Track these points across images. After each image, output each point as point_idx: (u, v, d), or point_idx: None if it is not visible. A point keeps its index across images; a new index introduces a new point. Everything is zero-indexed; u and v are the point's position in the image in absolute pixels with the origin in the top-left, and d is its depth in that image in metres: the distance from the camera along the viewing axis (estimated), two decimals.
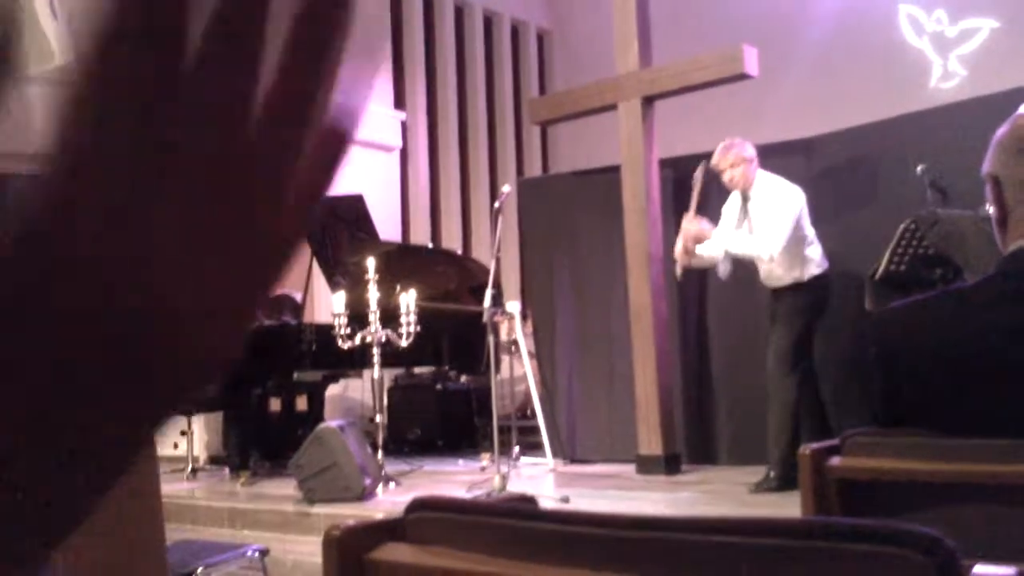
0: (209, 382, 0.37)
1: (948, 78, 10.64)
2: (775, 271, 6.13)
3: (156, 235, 0.33)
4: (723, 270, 6.25)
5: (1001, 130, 2.11)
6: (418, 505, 1.33)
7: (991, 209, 2.04)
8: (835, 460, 2.20)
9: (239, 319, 0.37)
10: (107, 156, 0.33)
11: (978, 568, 1.15)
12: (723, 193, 6.32)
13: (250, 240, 0.35)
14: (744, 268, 6.75)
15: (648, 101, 7.08)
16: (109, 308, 0.33)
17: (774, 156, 7.30)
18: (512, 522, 1.28)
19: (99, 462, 0.35)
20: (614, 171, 7.23)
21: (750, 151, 6.12)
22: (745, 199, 6.18)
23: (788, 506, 5.20)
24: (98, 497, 0.36)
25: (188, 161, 0.34)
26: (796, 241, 6.05)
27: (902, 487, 2.15)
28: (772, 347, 6.12)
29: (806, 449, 2.26)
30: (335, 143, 0.38)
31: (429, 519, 1.33)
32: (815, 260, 6.11)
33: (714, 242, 6.17)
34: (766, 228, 6.06)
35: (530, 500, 1.61)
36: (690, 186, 6.34)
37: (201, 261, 0.34)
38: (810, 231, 6.14)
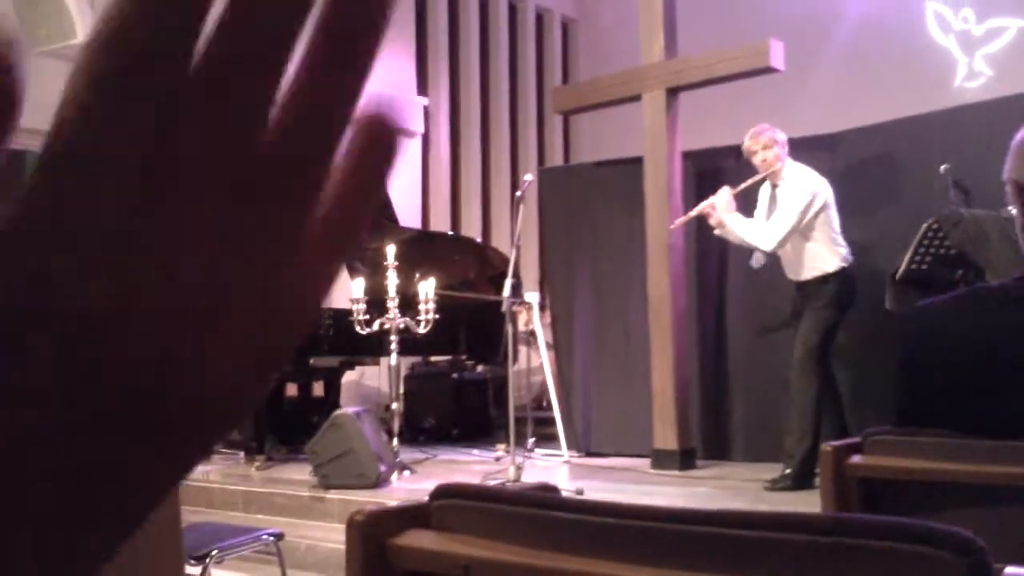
0: (239, 422, 0.33)
1: (973, 77, 10.57)
2: (803, 261, 6.09)
3: (167, 257, 0.29)
4: (756, 260, 6.29)
5: (1020, 135, 2.09)
6: (443, 492, 1.33)
7: (1013, 211, 2.02)
8: (856, 458, 2.19)
9: (270, 359, 0.33)
10: (110, 163, 0.29)
11: (1010, 569, 1.14)
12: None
13: (279, 271, 0.31)
14: (773, 262, 6.72)
15: (673, 92, 7.05)
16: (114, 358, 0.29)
17: (799, 151, 7.27)
18: (536, 511, 1.27)
19: (123, 517, 0.33)
20: (636, 162, 7.20)
21: (781, 136, 6.14)
22: (774, 187, 6.18)
23: (805, 504, 5.19)
24: (116, 548, 0.34)
25: (205, 170, 0.30)
26: (820, 235, 6.03)
27: (923, 487, 2.13)
28: (799, 341, 6.07)
29: (827, 447, 2.25)
30: (382, 140, 0.32)
31: (454, 506, 1.32)
32: (841, 253, 6.08)
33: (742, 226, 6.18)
34: (772, 221, 6.08)
35: (552, 490, 1.60)
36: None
37: (224, 288, 0.30)
38: (837, 223, 6.12)
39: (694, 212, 6.44)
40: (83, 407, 0.29)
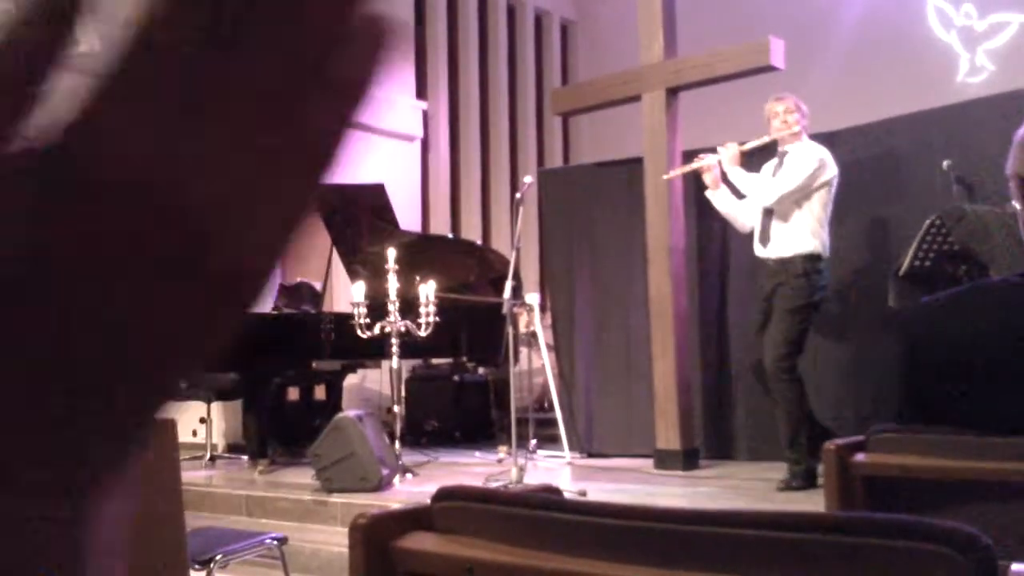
0: (255, 297, 0.35)
1: (976, 72, 10.56)
2: (783, 233, 5.98)
3: (189, 129, 0.32)
4: (741, 227, 6.32)
5: (1022, 130, 2.09)
6: (444, 494, 1.32)
7: (1017, 206, 2.02)
8: (860, 456, 2.18)
9: (287, 221, 0.36)
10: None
11: (1016, 566, 1.13)
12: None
13: (295, 133, 0.34)
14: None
15: (672, 92, 7.04)
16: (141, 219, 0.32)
17: None
18: (538, 513, 1.26)
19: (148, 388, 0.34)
20: (636, 163, 7.19)
21: (805, 107, 6.09)
22: (782, 158, 6.11)
23: (810, 503, 5.18)
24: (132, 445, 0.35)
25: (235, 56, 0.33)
26: (812, 211, 5.94)
27: (928, 484, 2.13)
28: (770, 344, 5.97)
29: (831, 445, 2.24)
30: (379, 33, 0.36)
31: (455, 508, 1.32)
32: (822, 240, 5.98)
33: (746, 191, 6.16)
34: (777, 177, 6.01)
35: (555, 491, 1.59)
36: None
37: (243, 158, 0.33)
38: (830, 209, 6.03)
39: (694, 164, 6.40)
40: (156, 251, 0.32)
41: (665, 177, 6.67)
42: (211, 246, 0.33)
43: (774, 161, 6.19)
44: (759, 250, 6.16)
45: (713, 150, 6.41)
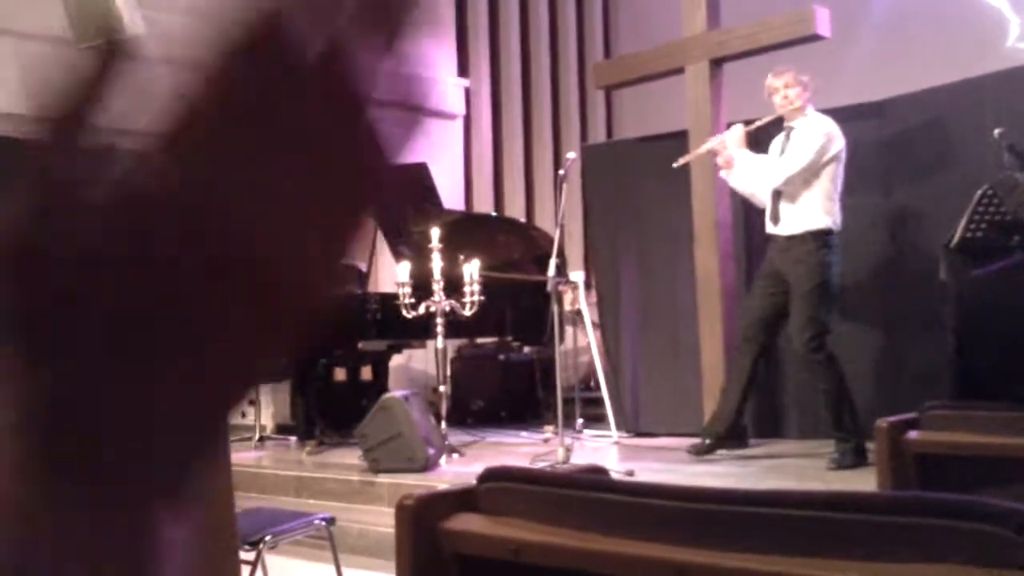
0: (311, 323, 0.39)
1: None
2: (793, 211, 5.94)
3: (249, 177, 0.37)
4: (758, 202, 6.26)
5: None
6: (490, 475, 1.31)
7: None
8: (913, 434, 2.15)
9: (331, 256, 0.40)
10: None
11: None
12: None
13: (340, 182, 0.40)
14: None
15: (716, 64, 6.97)
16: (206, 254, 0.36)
17: (846, 119, 7.16)
18: (585, 493, 1.25)
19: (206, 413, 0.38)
20: (681, 136, 7.11)
21: (806, 77, 6.01)
22: (788, 133, 6.07)
23: (860, 481, 5.13)
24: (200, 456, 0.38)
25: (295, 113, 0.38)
26: (821, 187, 5.89)
27: (982, 462, 2.09)
28: (795, 331, 5.93)
29: (883, 423, 2.21)
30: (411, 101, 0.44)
31: (502, 489, 1.31)
32: (834, 216, 5.93)
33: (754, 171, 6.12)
34: (784, 156, 5.96)
35: (601, 471, 1.58)
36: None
37: (296, 201, 0.38)
38: (840, 183, 5.97)
39: (703, 148, 6.38)
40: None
41: (675, 164, 6.58)
42: (277, 274, 0.37)
43: (781, 136, 6.15)
44: (770, 227, 6.13)
45: (750, 123, 6.35)
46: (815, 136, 5.88)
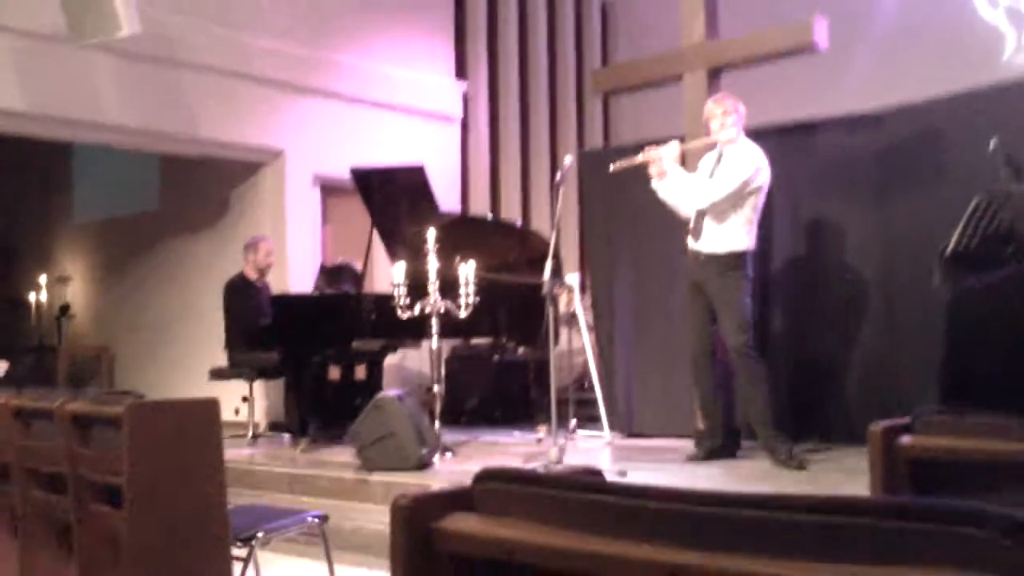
0: None
1: (1022, 52, 10.39)
2: (718, 232, 6.23)
3: None
4: (683, 215, 6.47)
5: None
6: (486, 476, 1.32)
7: None
8: (906, 439, 2.16)
9: None
10: None
11: None
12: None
13: None
14: (806, 244, 6.65)
15: (714, 73, 6.99)
16: None
17: (843, 130, 7.20)
18: (580, 495, 1.26)
19: None
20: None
21: (742, 108, 6.30)
22: (719, 157, 6.32)
23: (853, 484, 5.15)
24: None
25: None
26: (743, 213, 6.19)
27: (974, 467, 2.10)
28: (731, 331, 6.22)
29: (876, 427, 2.22)
30: None
31: (497, 490, 1.32)
32: (748, 239, 6.25)
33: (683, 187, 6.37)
34: (713, 180, 6.23)
35: (596, 473, 1.59)
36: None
37: None
38: (760, 211, 6.28)
39: (640, 158, 6.48)
40: None
41: (612, 169, 6.71)
42: None
43: (714, 156, 6.39)
44: (691, 243, 6.40)
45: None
46: (744, 167, 6.16)
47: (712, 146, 6.40)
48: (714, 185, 6.20)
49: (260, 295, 8.59)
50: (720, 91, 6.98)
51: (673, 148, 6.36)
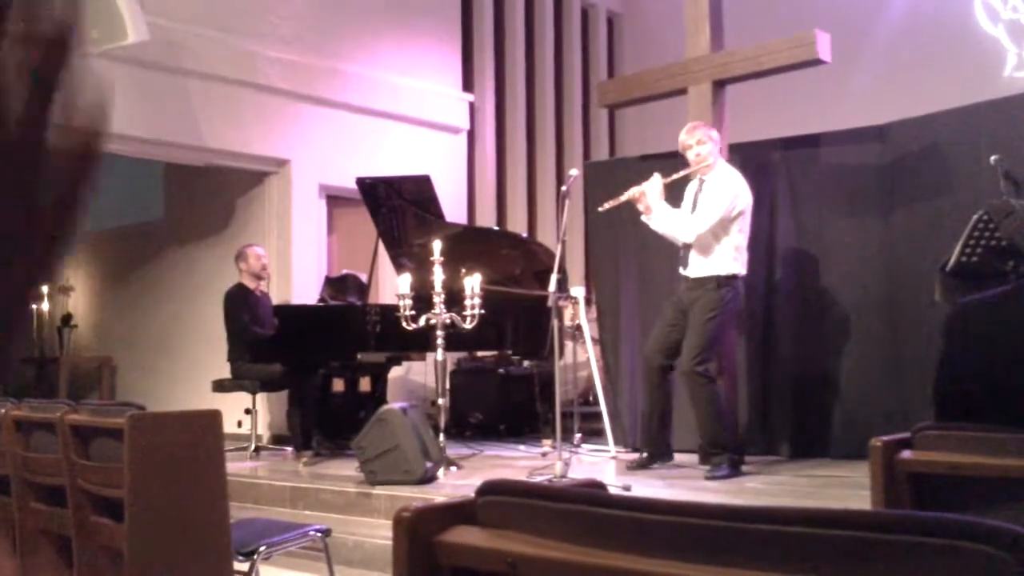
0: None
1: (1023, 67, 10.41)
2: (703, 258, 6.40)
3: None
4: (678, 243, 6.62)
5: None
6: (489, 489, 1.32)
7: None
8: (906, 454, 2.16)
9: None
10: None
11: None
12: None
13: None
14: (810, 257, 6.65)
15: (719, 85, 7.00)
16: None
17: (846, 143, 7.21)
18: (584, 508, 1.26)
19: None
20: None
21: (715, 135, 6.49)
22: (701, 184, 6.49)
23: (855, 499, 5.15)
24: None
25: None
26: (729, 240, 6.35)
27: (976, 482, 2.10)
28: (688, 348, 6.35)
29: (877, 442, 2.22)
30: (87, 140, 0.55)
31: (500, 503, 1.32)
32: (740, 263, 6.41)
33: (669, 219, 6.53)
34: (696, 214, 6.40)
35: (599, 486, 1.59)
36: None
37: None
38: (747, 234, 6.43)
39: (624, 196, 6.61)
40: None
41: (600, 209, 6.96)
42: None
43: (695, 184, 6.58)
44: (681, 270, 6.56)
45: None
46: (724, 195, 6.35)
47: (692, 175, 6.57)
48: (696, 218, 6.39)
49: (260, 304, 8.57)
50: (720, 106, 7.01)
51: (656, 183, 6.52)
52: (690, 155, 6.48)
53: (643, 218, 6.63)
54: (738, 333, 7.14)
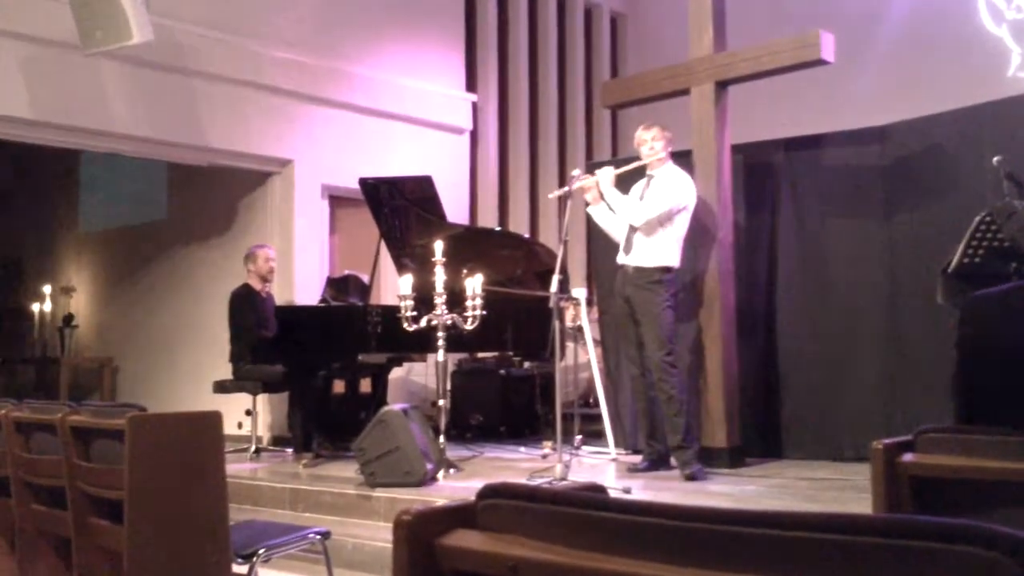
0: None
1: None
2: (648, 247, 6.54)
3: None
4: (616, 236, 6.82)
5: None
6: (489, 492, 1.32)
7: None
8: (908, 456, 2.15)
9: None
10: None
11: None
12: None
13: None
14: (812, 259, 6.63)
15: (721, 86, 7.00)
16: None
17: (848, 144, 7.20)
18: (583, 511, 1.26)
19: None
20: (685, 156, 7.13)
21: (669, 135, 6.72)
22: (649, 180, 6.67)
23: (856, 502, 5.14)
24: None
25: None
26: (672, 231, 6.52)
27: (978, 486, 2.09)
28: (652, 344, 6.50)
29: (878, 444, 2.21)
30: None
31: (500, 506, 1.31)
32: (676, 255, 6.57)
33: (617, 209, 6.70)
34: (646, 201, 6.59)
35: (600, 489, 1.58)
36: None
37: None
38: (684, 231, 6.59)
39: (575, 185, 6.72)
40: None
41: (550, 196, 7.33)
42: None
43: (643, 182, 6.75)
44: (621, 257, 6.72)
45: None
46: (673, 190, 6.57)
47: (642, 169, 6.74)
48: (646, 205, 6.57)
49: (264, 305, 8.58)
50: (723, 106, 7.01)
51: (608, 172, 6.70)
52: (644, 149, 6.70)
53: (588, 209, 6.86)
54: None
